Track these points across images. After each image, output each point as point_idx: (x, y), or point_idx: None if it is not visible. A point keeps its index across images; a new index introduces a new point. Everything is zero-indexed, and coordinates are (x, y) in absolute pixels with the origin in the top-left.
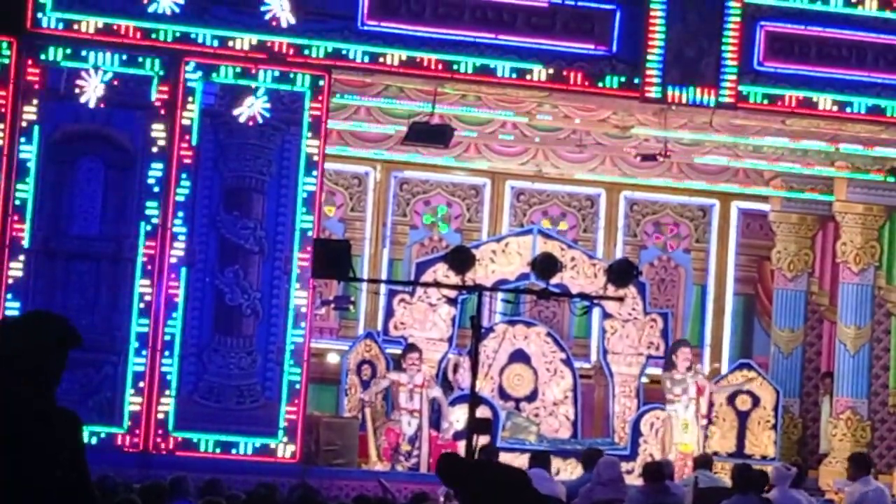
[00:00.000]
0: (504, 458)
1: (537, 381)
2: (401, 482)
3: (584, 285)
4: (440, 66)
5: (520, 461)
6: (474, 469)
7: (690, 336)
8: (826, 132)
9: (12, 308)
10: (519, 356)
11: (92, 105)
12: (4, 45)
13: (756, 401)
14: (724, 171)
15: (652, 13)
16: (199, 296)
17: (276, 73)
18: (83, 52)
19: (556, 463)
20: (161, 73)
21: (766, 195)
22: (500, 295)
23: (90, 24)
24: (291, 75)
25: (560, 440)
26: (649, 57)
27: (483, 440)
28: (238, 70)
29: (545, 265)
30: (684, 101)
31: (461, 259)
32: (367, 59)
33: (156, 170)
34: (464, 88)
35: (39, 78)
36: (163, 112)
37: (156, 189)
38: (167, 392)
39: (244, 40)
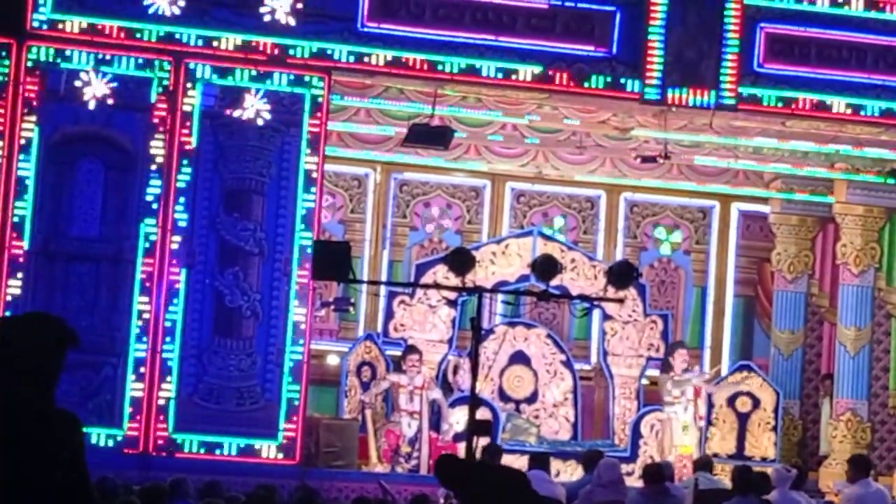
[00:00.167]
0: (504, 459)
1: (537, 382)
2: (401, 484)
3: (584, 287)
4: (440, 68)
5: (519, 463)
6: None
7: (690, 338)
8: (826, 134)
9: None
10: (519, 358)
11: (92, 107)
12: (4, 46)
13: (756, 402)
14: (724, 172)
15: (652, 15)
16: (198, 297)
17: (276, 75)
18: (83, 54)
19: (556, 464)
20: (161, 74)
21: (766, 197)
22: (500, 296)
23: (90, 25)
24: (291, 77)
25: (560, 442)
26: (649, 58)
27: (484, 441)
28: (238, 72)
29: (545, 267)
30: (684, 102)
31: (461, 261)
32: (366, 61)
33: (156, 172)
34: (463, 90)
35: (39, 80)
36: (163, 114)
37: (156, 191)
38: (167, 394)
39: (244, 42)
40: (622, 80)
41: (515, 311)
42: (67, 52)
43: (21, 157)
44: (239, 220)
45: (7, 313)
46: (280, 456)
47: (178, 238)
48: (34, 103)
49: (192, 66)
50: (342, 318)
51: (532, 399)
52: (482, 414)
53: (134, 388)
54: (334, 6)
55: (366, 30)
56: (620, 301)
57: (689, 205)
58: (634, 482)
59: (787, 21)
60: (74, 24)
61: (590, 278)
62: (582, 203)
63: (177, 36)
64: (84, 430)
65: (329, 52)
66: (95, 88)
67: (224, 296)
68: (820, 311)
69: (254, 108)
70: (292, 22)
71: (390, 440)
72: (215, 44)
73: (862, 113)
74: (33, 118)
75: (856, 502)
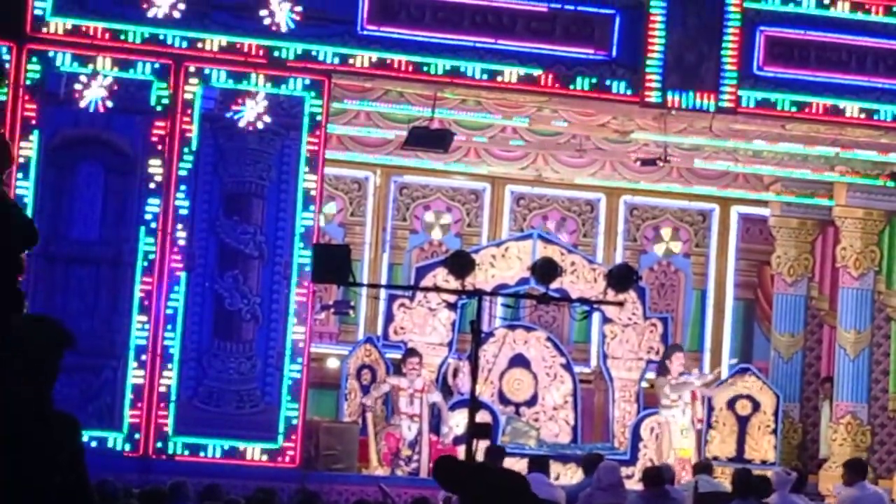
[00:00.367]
0: (504, 462)
1: (537, 385)
2: (401, 487)
3: (584, 290)
4: (440, 71)
5: (519, 466)
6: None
7: (690, 341)
8: (826, 137)
9: None
10: (519, 361)
11: (92, 109)
12: (4, 49)
13: (756, 405)
14: (723, 175)
15: (652, 18)
16: (198, 300)
17: (277, 78)
18: (83, 57)
19: (555, 468)
20: (161, 77)
21: (765, 200)
22: (499, 299)
23: (90, 28)
24: (291, 80)
25: (560, 445)
26: (649, 62)
27: (484, 444)
28: (238, 75)
29: (545, 270)
30: (684, 105)
31: (461, 263)
32: (367, 64)
33: (155, 174)
34: (464, 93)
35: (39, 82)
36: (163, 116)
37: (155, 193)
38: (167, 397)
39: (244, 45)
40: (622, 83)
41: (515, 314)
42: (68, 55)
43: (20, 159)
44: (239, 223)
45: None
46: (280, 459)
47: (177, 241)
48: (34, 107)
49: (191, 69)
50: (342, 322)
51: (532, 402)
52: (482, 417)
53: (134, 391)
54: (334, 9)
55: (365, 33)
56: (620, 304)
57: (688, 208)
58: (634, 485)
59: (786, 24)
60: (74, 26)
61: (589, 281)
62: (582, 206)
63: (176, 39)
64: (83, 432)
65: (329, 55)
66: (95, 91)
67: (224, 299)
68: (820, 314)
69: (254, 111)
70: (292, 25)
71: (390, 443)
72: (215, 47)
73: (861, 116)
74: (33, 122)
75: None
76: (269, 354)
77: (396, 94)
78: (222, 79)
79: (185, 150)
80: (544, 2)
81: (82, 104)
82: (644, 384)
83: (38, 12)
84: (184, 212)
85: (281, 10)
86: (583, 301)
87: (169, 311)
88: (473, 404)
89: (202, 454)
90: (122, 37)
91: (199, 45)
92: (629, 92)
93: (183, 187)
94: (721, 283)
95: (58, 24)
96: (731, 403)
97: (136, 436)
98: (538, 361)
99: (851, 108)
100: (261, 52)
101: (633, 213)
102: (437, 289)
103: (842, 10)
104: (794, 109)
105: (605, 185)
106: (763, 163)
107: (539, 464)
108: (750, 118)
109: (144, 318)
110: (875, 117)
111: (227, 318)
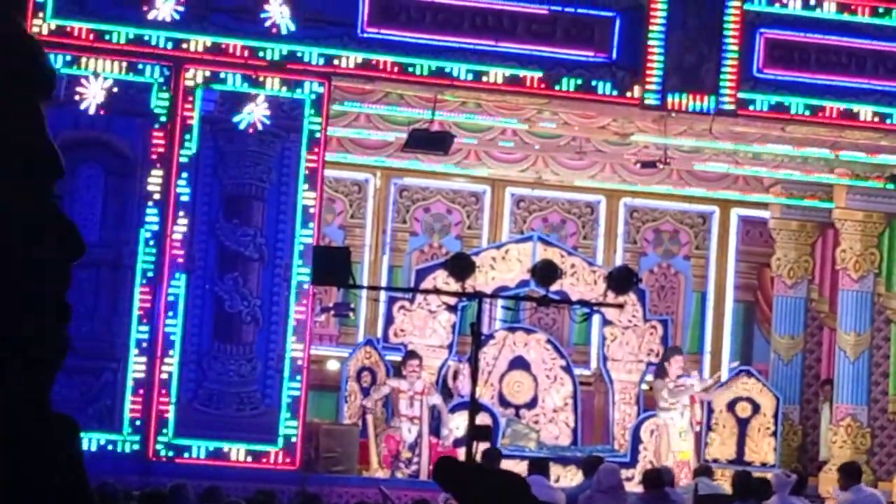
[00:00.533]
0: (503, 464)
1: (537, 388)
2: (401, 489)
3: (583, 292)
4: (440, 73)
5: (519, 468)
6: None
7: (690, 343)
8: (826, 139)
9: None
10: (519, 363)
11: (92, 112)
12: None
13: (756, 408)
14: (723, 178)
15: (652, 20)
16: (198, 303)
17: (276, 81)
18: (83, 59)
19: (556, 470)
20: (161, 80)
21: (765, 202)
22: (500, 302)
23: (90, 30)
24: (291, 83)
25: (560, 447)
26: (649, 64)
27: (484, 446)
28: (238, 77)
29: (545, 272)
30: (684, 108)
31: (461, 266)
32: (366, 67)
33: (155, 177)
34: (463, 95)
35: None
36: (163, 119)
37: (155, 196)
38: (167, 399)
39: (244, 48)
40: (622, 85)
41: (515, 316)
42: (68, 58)
43: None
44: (239, 225)
45: None
46: (280, 461)
47: (177, 243)
48: None
49: (191, 71)
50: (342, 324)
51: (532, 404)
52: (482, 419)
53: (134, 394)
54: (334, 11)
55: (366, 35)
56: (620, 306)
57: (688, 210)
58: (634, 487)
59: (786, 26)
60: (74, 29)
61: (589, 283)
62: (582, 208)
63: (177, 41)
64: (82, 434)
65: (329, 57)
66: (95, 94)
67: (224, 301)
68: (820, 316)
69: (254, 113)
70: (292, 27)
71: (390, 445)
72: (215, 49)
73: (861, 118)
74: None
75: None
76: (269, 357)
77: (396, 97)
78: (222, 81)
79: (185, 152)
80: (544, 4)
81: (82, 106)
82: (644, 386)
83: (37, 14)
84: (183, 214)
85: (281, 13)
86: (583, 303)
87: (169, 314)
88: (473, 406)
89: (202, 456)
90: (122, 39)
91: (199, 47)
92: (629, 94)
93: (183, 190)
94: (721, 285)
95: (57, 26)
96: (731, 405)
97: (136, 438)
98: (538, 364)
99: (851, 109)
100: (261, 55)
101: (633, 215)
102: (437, 291)
103: (842, 13)
104: (794, 112)
105: (605, 187)
106: (763, 165)
107: (539, 466)
108: (750, 120)
109: (144, 321)
110: (871, 119)
111: (227, 321)
